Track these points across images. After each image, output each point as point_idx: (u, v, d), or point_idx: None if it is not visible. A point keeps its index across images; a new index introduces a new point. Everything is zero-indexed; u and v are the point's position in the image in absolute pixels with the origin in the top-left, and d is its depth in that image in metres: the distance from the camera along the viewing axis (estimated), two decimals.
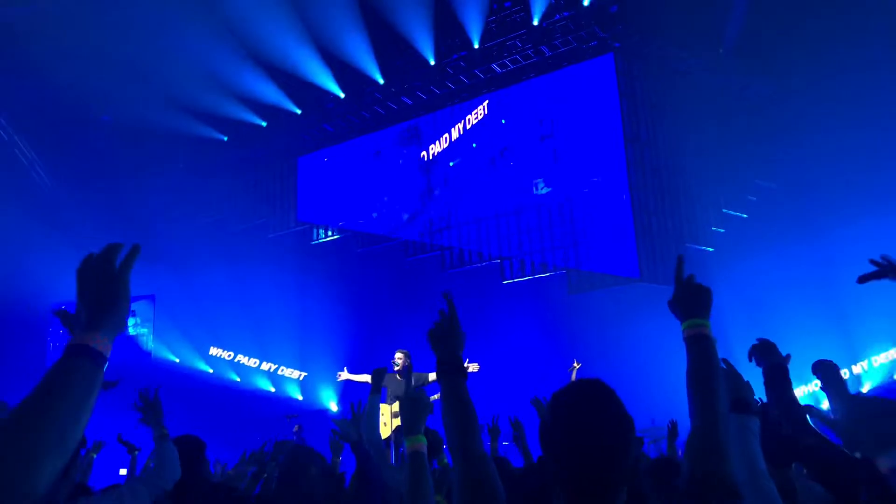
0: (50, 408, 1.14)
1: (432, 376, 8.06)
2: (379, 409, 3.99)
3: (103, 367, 1.23)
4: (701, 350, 1.83)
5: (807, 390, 11.49)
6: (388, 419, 7.95)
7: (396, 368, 8.12)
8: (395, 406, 7.92)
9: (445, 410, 1.99)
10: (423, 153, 14.58)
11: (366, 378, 8.37)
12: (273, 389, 15.46)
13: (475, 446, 1.91)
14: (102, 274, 1.32)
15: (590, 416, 1.59)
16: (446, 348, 2.13)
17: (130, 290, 1.33)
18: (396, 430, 7.73)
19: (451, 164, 14.24)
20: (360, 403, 3.84)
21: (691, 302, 1.92)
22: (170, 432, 3.33)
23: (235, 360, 15.76)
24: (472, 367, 7.97)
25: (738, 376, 2.30)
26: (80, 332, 1.24)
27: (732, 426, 2.12)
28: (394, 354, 8.33)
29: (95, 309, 1.27)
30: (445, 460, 3.95)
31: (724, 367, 2.34)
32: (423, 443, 2.37)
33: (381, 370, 4.12)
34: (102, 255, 1.34)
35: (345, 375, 8.75)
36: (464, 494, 1.82)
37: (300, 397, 15.25)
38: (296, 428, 10.90)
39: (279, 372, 15.48)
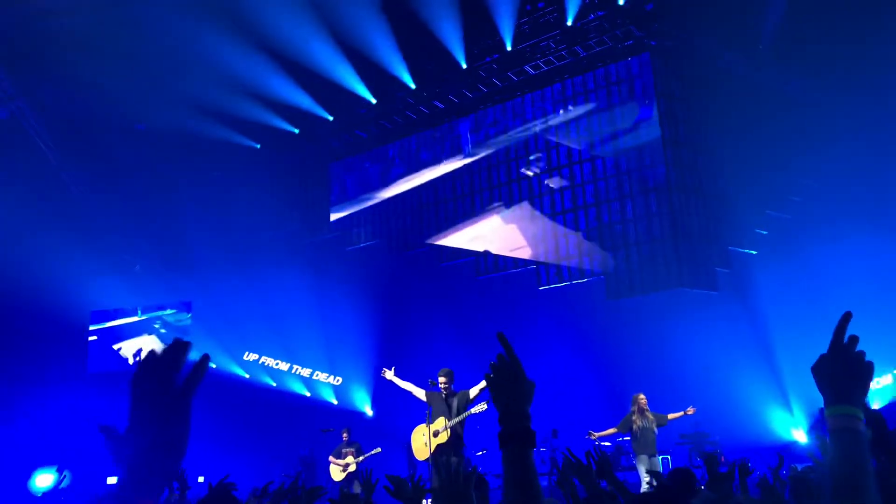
0: None
1: (473, 392, 7.85)
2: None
3: None
4: (849, 448, 1.41)
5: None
6: (428, 439, 7.74)
7: (444, 391, 7.91)
8: (435, 425, 7.77)
9: (507, 488, 1.56)
10: (459, 158, 14.47)
11: (410, 387, 8.24)
12: (308, 394, 15.46)
13: None
14: (162, 394, 1.05)
15: None
16: (510, 404, 1.59)
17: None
18: (436, 452, 7.59)
19: (486, 168, 14.10)
20: (420, 477, 3.52)
21: (847, 380, 1.48)
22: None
23: (270, 365, 15.80)
24: (479, 408, 7.73)
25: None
26: None
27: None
28: (427, 366, 8.29)
29: (149, 452, 1.01)
30: None
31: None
32: None
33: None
34: (165, 359, 1.08)
35: (390, 375, 8.43)
36: None
37: (335, 401, 15.22)
38: (345, 433, 10.78)
39: (314, 377, 15.48)
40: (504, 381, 1.61)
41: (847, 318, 1.51)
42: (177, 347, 1.07)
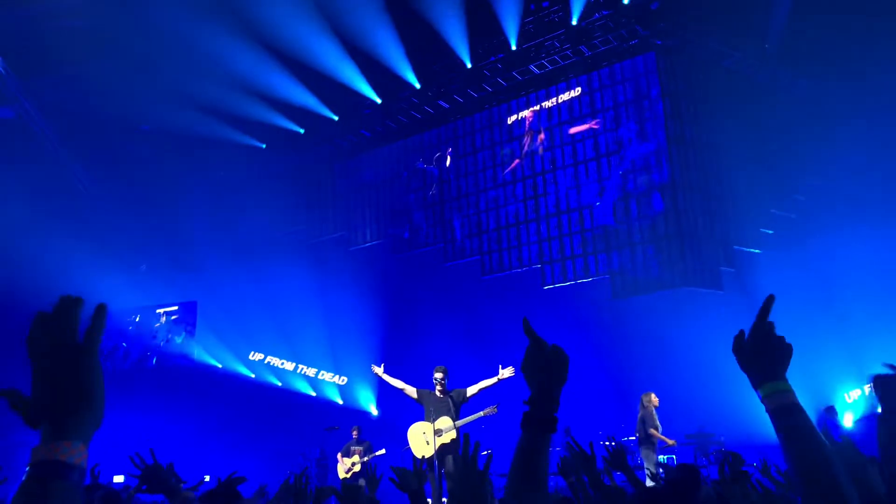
0: None
1: (471, 390, 7.80)
2: None
3: (81, 482, 0.95)
4: (796, 427, 1.36)
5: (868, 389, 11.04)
6: (430, 437, 7.60)
7: (438, 388, 7.75)
8: (438, 423, 7.66)
9: (516, 471, 1.51)
10: (462, 157, 14.51)
11: (400, 385, 8.10)
12: (314, 393, 15.50)
13: None
14: (63, 349, 0.99)
15: None
16: (546, 386, 1.55)
17: (101, 368, 1.01)
18: (440, 450, 7.49)
19: (491, 167, 14.12)
20: (423, 458, 3.46)
21: (766, 356, 1.44)
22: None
23: (275, 365, 15.85)
24: (507, 372, 7.62)
25: (859, 455, 1.85)
26: (45, 442, 0.95)
27: None
28: (431, 361, 7.99)
29: (60, 405, 0.97)
30: None
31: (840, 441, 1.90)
32: None
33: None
34: (55, 318, 1.00)
35: (379, 371, 8.24)
36: None
37: (340, 401, 15.26)
38: (355, 431, 10.76)
39: (319, 376, 15.52)
40: (545, 363, 1.57)
41: (771, 300, 1.48)
42: (66, 304, 1.02)
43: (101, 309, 1.03)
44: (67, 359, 0.99)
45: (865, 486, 1.71)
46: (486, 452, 10.05)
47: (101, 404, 1.00)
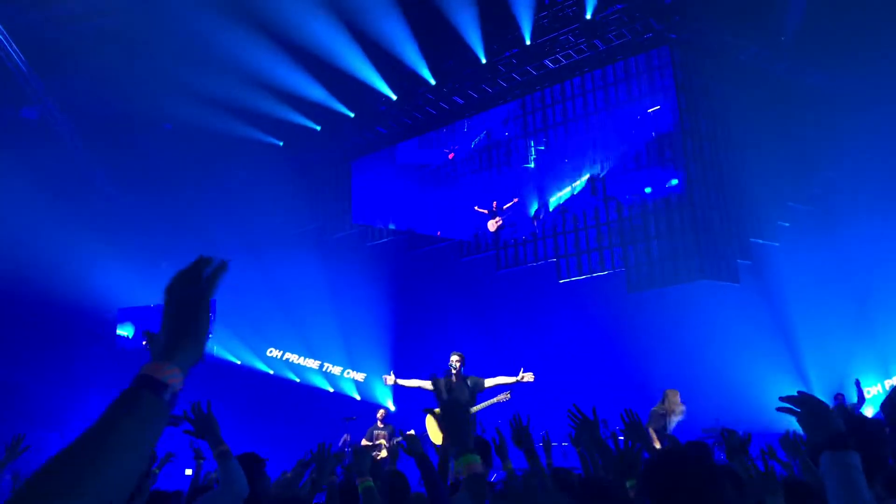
0: (105, 443, 1.01)
1: (489, 382, 7.87)
2: None
3: (169, 401, 1.10)
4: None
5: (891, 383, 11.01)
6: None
7: (453, 372, 7.82)
8: None
9: None
10: (476, 153, 14.56)
11: (417, 383, 8.15)
12: (331, 389, 15.64)
13: None
14: (185, 294, 1.19)
15: None
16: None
17: (211, 313, 1.20)
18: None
19: (507, 162, 14.17)
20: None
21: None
22: (233, 432, 3.17)
23: (293, 361, 16.00)
24: (528, 377, 7.72)
25: (826, 409, 1.92)
26: (153, 361, 1.12)
27: (829, 466, 1.82)
28: (448, 357, 8.04)
29: (173, 335, 1.16)
30: (510, 464, 3.75)
31: (804, 398, 1.98)
32: (477, 462, 2.07)
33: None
34: (189, 271, 1.21)
35: (392, 380, 8.36)
36: None
37: (357, 396, 15.39)
38: (380, 414, 10.78)
39: (336, 372, 15.65)
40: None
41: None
42: (199, 261, 1.22)
43: (221, 264, 1.23)
44: (185, 299, 1.18)
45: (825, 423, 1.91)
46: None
47: (203, 342, 1.18)
